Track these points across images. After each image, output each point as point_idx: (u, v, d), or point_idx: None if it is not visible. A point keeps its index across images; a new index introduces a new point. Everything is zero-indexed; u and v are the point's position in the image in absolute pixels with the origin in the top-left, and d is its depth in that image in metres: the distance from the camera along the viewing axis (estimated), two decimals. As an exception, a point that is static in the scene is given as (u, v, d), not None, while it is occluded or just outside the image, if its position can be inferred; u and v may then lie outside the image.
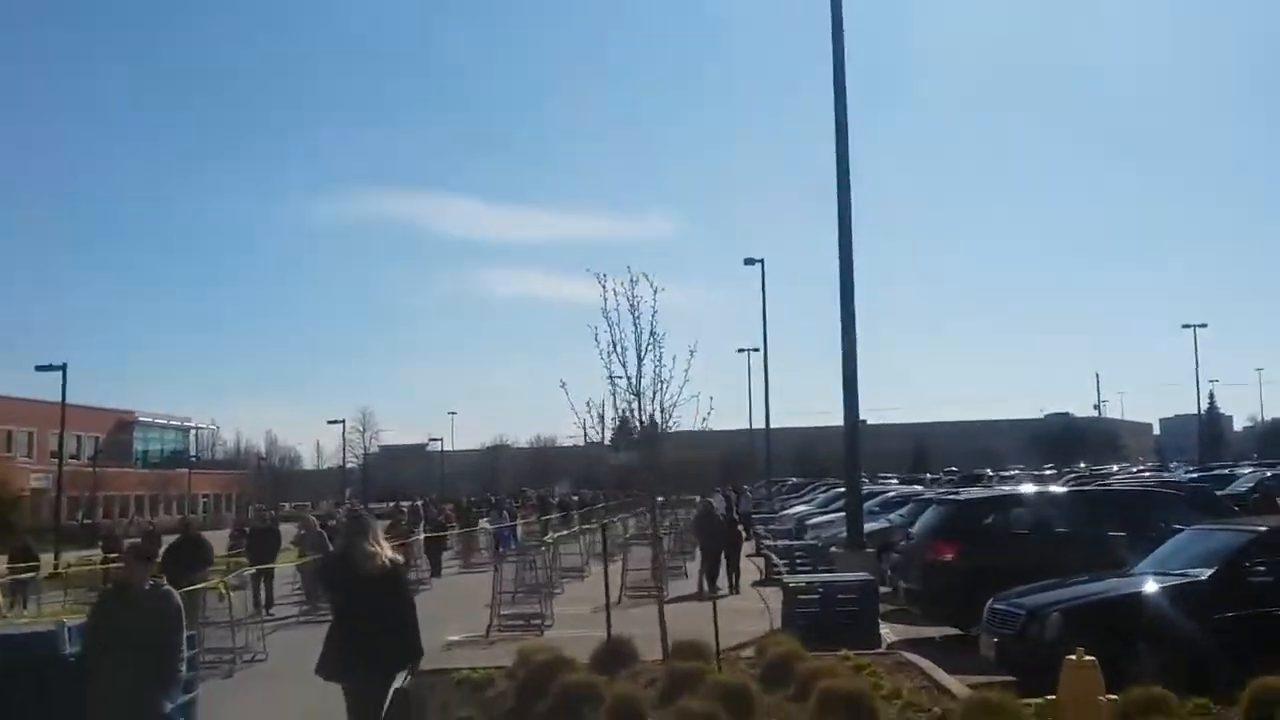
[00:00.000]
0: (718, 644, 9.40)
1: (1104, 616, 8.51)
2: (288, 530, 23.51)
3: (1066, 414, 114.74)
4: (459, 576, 26.22)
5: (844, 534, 22.74)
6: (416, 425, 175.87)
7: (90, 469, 65.39)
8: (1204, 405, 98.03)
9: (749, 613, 16.55)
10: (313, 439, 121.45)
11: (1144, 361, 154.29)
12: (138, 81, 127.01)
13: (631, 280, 9.57)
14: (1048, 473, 57.92)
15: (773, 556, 21.14)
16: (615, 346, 9.65)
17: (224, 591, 12.99)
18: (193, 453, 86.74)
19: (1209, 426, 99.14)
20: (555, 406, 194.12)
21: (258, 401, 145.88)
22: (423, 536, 26.95)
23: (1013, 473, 60.29)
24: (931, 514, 13.39)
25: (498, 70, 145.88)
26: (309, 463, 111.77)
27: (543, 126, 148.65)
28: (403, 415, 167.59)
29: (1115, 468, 62.02)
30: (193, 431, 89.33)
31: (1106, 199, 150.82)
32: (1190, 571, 9.07)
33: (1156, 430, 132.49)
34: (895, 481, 54.16)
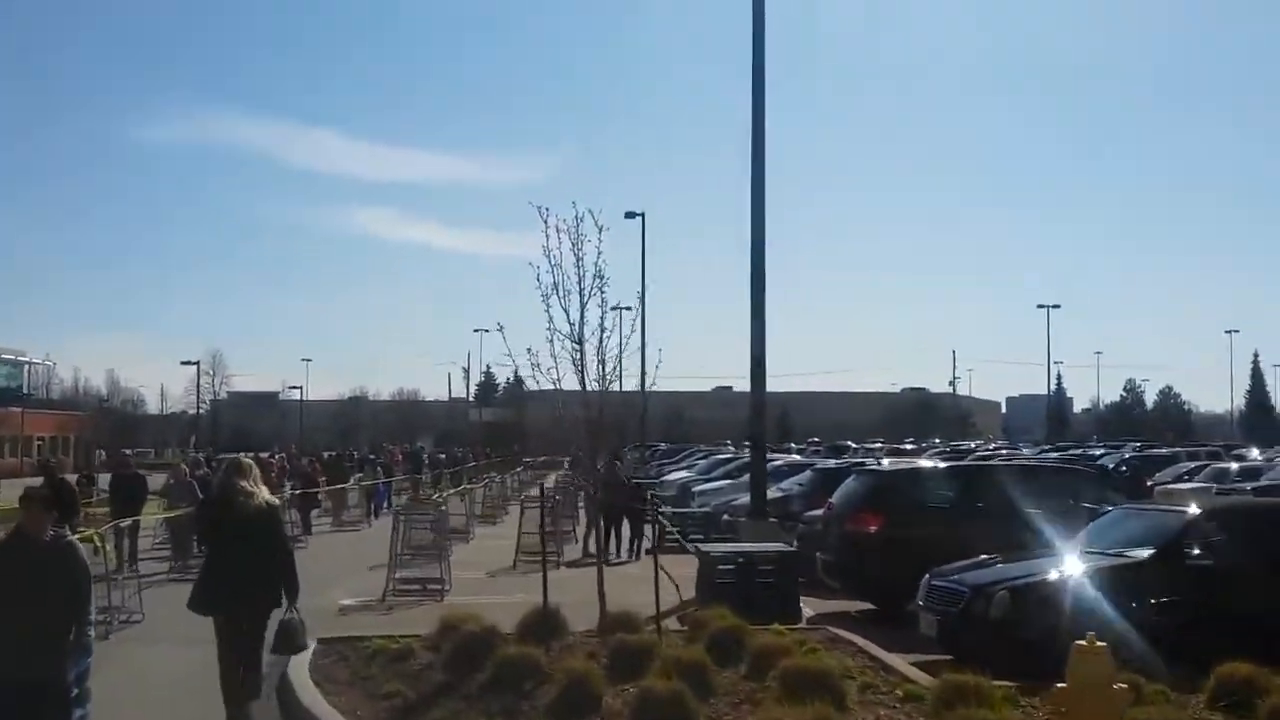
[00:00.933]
0: (659, 616, 8.97)
1: (1051, 596, 8.43)
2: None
3: (922, 389, 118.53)
4: (332, 535, 25.17)
5: (734, 501, 22.77)
6: (268, 372, 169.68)
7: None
8: (1052, 386, 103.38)
9: (651, 581, 16.21)
10: (157, 380, 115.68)
11: (990, 339, 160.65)
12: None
13: (576, 217, 8.98)
14: (908, 447, 59.63)
15: (666, 523, 20.86)
16: (556, 289, 9.04)
17: (99, 544, 11.85)
18: (26, 390, 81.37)
19: (1056, 407, 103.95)
20: (419, 358, 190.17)
21: (98, 338, 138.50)
22: (289, 492, 25.64)
23: (876, 445, 61.89)
24: (853, 484, 13.24)
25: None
26: (153, 406, 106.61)
27: (413, 62, 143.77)
28: (254, 361, 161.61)
29: (973, 444, 64.39)
30: (27, 367, 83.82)
31: (964, 173, 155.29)
32: (1129, 552, 9.10)
33: (1003, 409, 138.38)
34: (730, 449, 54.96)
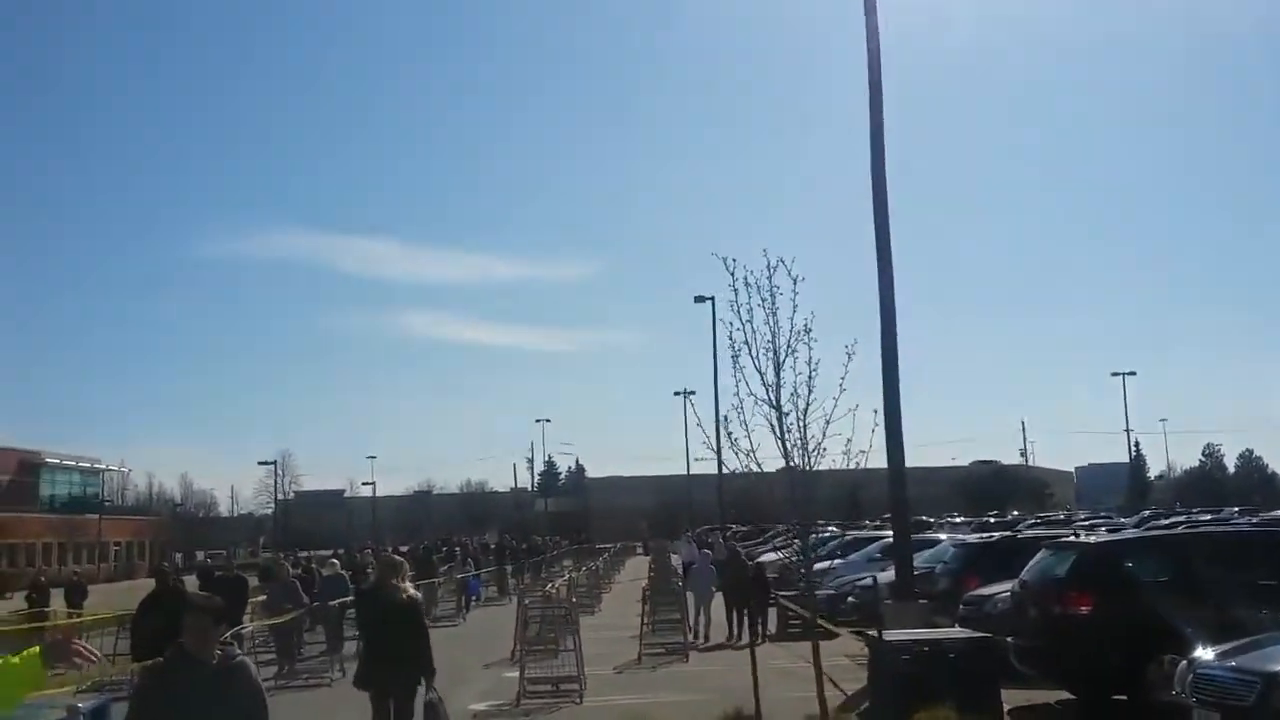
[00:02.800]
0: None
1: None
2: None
3: (993, 462, 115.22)
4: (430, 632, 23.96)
5: (860, 581, 21.34)
6: (331, 471, 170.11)
7: (-8, 513, 61.13)
8: (1131, 454, 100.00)
9: (802, 674, 14.83)
10: (227, 483, 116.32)
11: (1050, 409, 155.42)
12: (35, 116, 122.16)
13: (768, 267, 7.99)
14: (992, 520, 57.33)
15: (793, 607, 19.46)
16: (749, 347, 8.02)
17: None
18: (103, 497, 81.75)
19: (1137, 475, 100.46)
20: (483, 451, 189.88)
21: (170, 444, 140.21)
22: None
23: (957, 520, 59.67)
24: (1052, 559, 11.80)
25: (416, 110, 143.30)
26: (224, 508, 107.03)
27: (454, 167, 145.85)
28: (320, 462, 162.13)
29: (1061, 514, 61.73)
30: (102, 474, 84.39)
31: (1003, 243, 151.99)
32: None
33: (1074, 478, 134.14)
34: (833, 528, 53.06)
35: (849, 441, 8.20)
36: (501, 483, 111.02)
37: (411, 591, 8.75)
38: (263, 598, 17.74)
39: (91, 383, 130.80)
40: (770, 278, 8.07)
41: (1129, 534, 14.92)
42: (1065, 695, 11.51)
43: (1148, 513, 55.76)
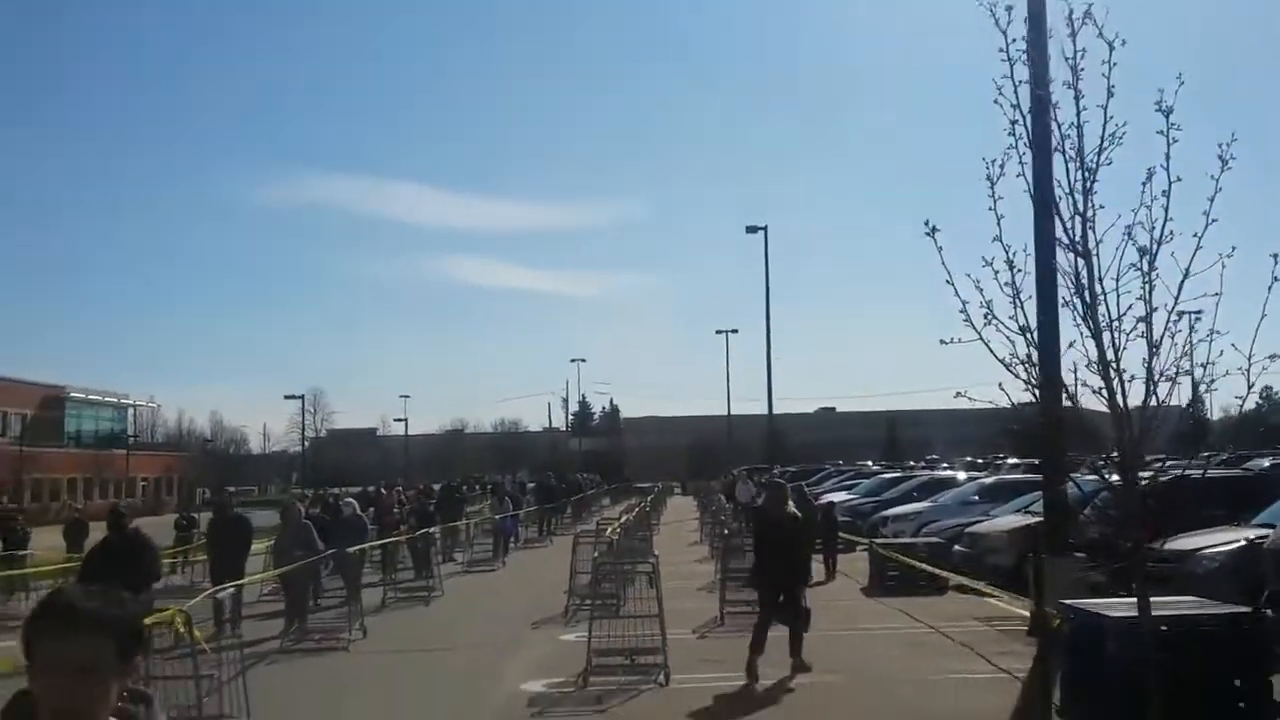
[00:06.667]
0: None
1: None
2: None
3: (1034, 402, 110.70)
4: (464, 580, 21.18)
5: (968, 526, 18.31)
6: (365, 410, 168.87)
7: (16, 448, 59.26)
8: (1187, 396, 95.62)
9: (936, 645, 11.86)
10: (259, 420, 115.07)
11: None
12: (79, 59, 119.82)
13: (1070, 20, 4.68)
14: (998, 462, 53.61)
15: (896, 556, 16.42)
16: (1019, 133, 4.75)
17: (181, 629, 7.89)
18: (131, 432, 79.99)
19: (1192, 417, 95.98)
20: (517, 391, 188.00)
21: (202, 380, 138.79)
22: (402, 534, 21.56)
23: (1010, 461, 56.20)
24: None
25: (455, 56, 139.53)
26: (256, 446, 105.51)
27: (495, 111, 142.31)
28: (354, 401, 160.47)
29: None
30: (131, 409, 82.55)
31: None
32: None
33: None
34: (873, 466, 49.65)
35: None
36: (536, 422, 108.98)
37: (791, 510, 10.72)
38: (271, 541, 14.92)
39: (124, 319, 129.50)
40: (1074, 36, 4.74)
41: None
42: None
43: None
